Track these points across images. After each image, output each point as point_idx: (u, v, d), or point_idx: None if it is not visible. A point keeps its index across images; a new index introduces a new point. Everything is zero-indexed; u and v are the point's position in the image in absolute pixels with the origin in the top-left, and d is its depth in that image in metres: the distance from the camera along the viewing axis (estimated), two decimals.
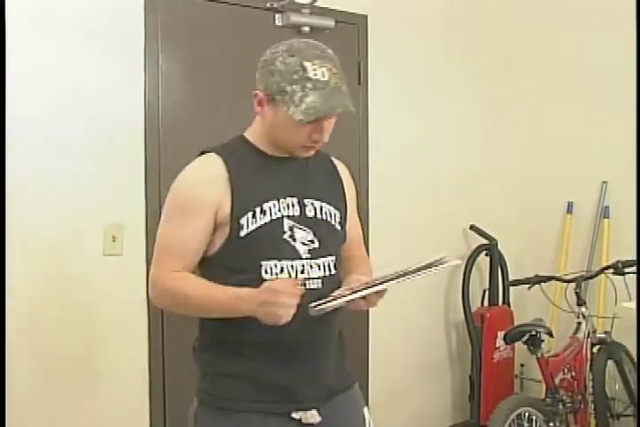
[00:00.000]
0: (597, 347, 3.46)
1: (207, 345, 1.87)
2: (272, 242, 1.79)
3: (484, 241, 3.85)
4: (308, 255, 1.82)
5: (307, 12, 3.20)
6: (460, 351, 4.02)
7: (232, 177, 1.79)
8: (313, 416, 1.85)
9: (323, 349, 1.88)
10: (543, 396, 3.28)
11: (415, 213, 3.75)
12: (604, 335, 3.49)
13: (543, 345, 3.21)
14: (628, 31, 3.63)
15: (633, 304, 2.62)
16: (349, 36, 3.43)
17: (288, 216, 1.82)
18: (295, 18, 3.14)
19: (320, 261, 1.83)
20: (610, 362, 3.48)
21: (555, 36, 4.01)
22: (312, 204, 1.87)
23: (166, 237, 1.81)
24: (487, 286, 3.94)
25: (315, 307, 1.68)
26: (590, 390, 3.39)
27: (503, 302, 3.95)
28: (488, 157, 4.04)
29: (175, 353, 2.91)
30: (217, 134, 2.98)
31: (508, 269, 3.95)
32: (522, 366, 4.10)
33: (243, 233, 1.77)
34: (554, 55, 4.00)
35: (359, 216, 2.08)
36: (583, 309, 3.44)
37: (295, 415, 1.83)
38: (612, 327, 3.50)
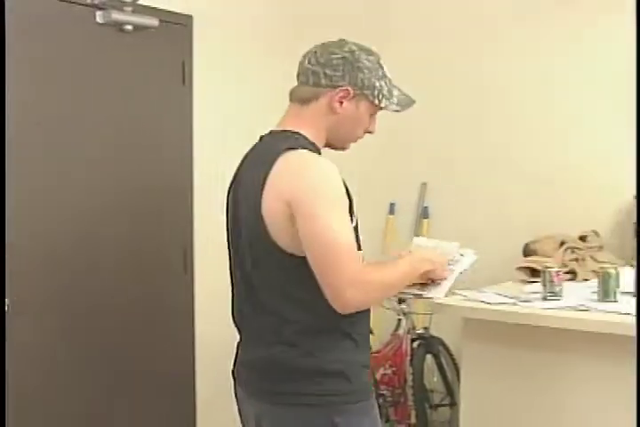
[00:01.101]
0: (417, 342, 3.61)
1: (327, 345, 1.80)
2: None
3: None
4: None
5: (129, 9, 3.13)
6: None
7: None
8: None
9: None
10: None
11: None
12: (422, 331, 3.65)
13: None
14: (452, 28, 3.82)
15: (449, 300, 2.74)
16: (174, 36, 3.39)
17: None
18: (117, 16, 3.06)
19: None
20: (428, 356, 3.65)
21: (386, 37, 4.13)
22: None
23: (348, 234, 1.71)
24: None
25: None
26: (410, 383, 3.54)
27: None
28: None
29: None
30: (25, 132, 2.91)
31: None
32: None
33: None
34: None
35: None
36: (403, 306, 3.58)
37: None
38: (430, 323, 3.67)
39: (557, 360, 2.54)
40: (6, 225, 2.64)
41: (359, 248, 1.81)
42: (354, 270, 1.68)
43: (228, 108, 3.71)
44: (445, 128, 3.92)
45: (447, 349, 3.74)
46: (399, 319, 3.61)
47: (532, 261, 3.08)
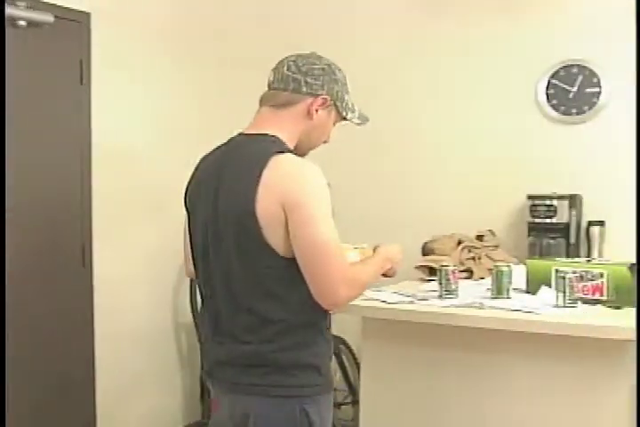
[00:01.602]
0: None
1: (304, 341, 1.90)
2: None
3: None
4: None
5: (23, 4, 3.05)
6: (191, 353, 4.04)
7: None
8: None
9: None
10: None
11: (144, 216, 3.72)
12: None
13: None
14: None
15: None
16: (70, 34, 3.32)
17: None
18: (10, 10, 2.98)
19: None
20: None
21: (283, 40, 4.14)
22: None
23: (335, 235, 1.83)
24: None
25: None
26: None
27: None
28: None
29: None
30: None
31: None
32: None
33: None
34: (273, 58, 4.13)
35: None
36: None
37: None
38: (330, 322, 3.68)
39: (456, 358, 2.59)
40: None
41: None
42: (344, 269, 1.83)
43: (129, 109, 3.66)
44: (346, 129, 3.95)
45: (349, 348, 3.77)
46: None
47: (430, 260, 3.14)
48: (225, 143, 2.02)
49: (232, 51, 4.17)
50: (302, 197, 1.81)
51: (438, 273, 2.67)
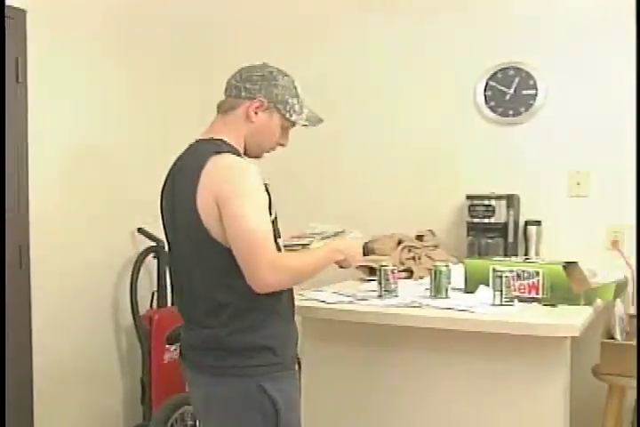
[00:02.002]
0: None
1: (256, 324, 2.07)
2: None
3: (152, 243, 3.86)
4: None
5: None
6: (131, 354, 3.99)
7: None
8: None
9: None
10: None
11: (83, 216, 3.66)
12: None
13: None
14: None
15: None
16: (5, 31, 3.24)
17: None
18: None
19: None
20: None
21: (216, 36, 4.14)
22: None
23: (265, 226, 1.98)
24: (156, 287, 3.95)
25: None
26: None
27: (172, 304, 3.98)
28: (148, 161, 4.04)
29: None
30: None
31: None
32: None
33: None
34: (212, 59, 4.12)
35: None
36: None
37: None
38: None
39: (396, 357, 2.61)
40: None
41: (279, 237, 2.12)
42: (269, 256, 1.97)
43: (68, 108, 3.60)
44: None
45: None
46: None
47: (370, 260, 3.16)
48: (187, 148, 2.21)
49: (178, 51, 4.14)
50: (230, 193, 1.98)
51: (378, 273, 2.69)
